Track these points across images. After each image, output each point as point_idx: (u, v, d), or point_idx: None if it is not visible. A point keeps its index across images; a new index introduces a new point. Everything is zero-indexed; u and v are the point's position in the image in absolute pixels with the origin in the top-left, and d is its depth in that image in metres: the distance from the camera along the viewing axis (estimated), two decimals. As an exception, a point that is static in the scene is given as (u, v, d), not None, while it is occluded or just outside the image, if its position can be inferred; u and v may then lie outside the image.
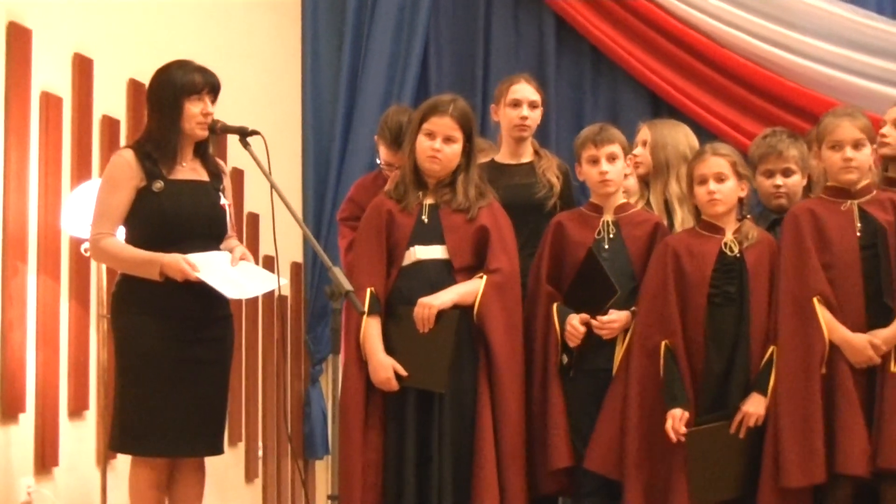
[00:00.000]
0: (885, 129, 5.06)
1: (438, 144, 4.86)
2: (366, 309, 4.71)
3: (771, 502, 4.64)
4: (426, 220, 4.87)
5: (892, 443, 4.56)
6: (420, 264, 4.86)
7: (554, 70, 7.70)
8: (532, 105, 5.37)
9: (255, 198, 6.25)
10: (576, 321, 4.83)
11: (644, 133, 5.38)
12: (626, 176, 5.09)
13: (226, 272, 4.60)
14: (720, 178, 4.80)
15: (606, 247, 4.93)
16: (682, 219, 5.10)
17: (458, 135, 4.88)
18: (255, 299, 6.72)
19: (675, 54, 7.64)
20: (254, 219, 6.69)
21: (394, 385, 4.77)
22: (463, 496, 4.75)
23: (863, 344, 4.62)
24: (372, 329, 4.81)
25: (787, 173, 5.15)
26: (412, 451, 4.76)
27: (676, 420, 4.69)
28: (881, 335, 4.62)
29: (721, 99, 7.64)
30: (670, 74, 7.65)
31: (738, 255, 4.79)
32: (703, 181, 4.82)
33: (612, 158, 4.94)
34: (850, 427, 4.57)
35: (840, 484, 4.64)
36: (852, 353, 4.63)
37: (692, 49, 7.63)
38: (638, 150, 5.30)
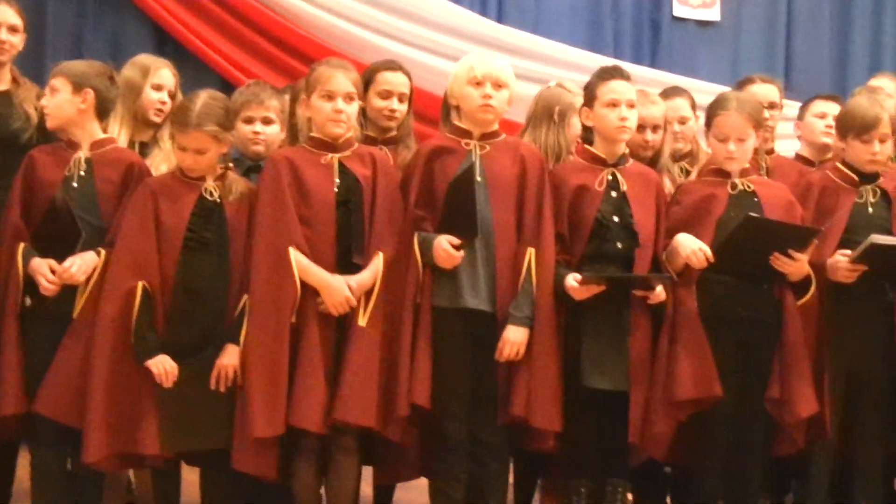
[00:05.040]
0: None
1: None
2: None
3: (241, 452, 4.61)
4: None
5: (347, 396, 4.61)
6: None
7: (57, -6, 7.36)
8: (12, 29, 5.18)
9: None
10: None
11: None
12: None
13: None
14: (201, 151, 4.75)
15: (76, 185, 4.78)
16: None
17: None
18: None
19: (184, -10, 7.49)
20: None
21: None
22: None
23: (340, 284, 4.63)
24: None
25: (266, 122, 5.15)
26: None
27: (164, 367, 4.60)
28: (356, 278, 4.65)
29: (230, 40, 7.57)
30: (179, 10, 7.48)
31: (217, 200, 4.76)
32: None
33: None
34: (309, 381, 4.59)
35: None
36: (329, 295, 4.63)
37: (202, -14, 7.51)
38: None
